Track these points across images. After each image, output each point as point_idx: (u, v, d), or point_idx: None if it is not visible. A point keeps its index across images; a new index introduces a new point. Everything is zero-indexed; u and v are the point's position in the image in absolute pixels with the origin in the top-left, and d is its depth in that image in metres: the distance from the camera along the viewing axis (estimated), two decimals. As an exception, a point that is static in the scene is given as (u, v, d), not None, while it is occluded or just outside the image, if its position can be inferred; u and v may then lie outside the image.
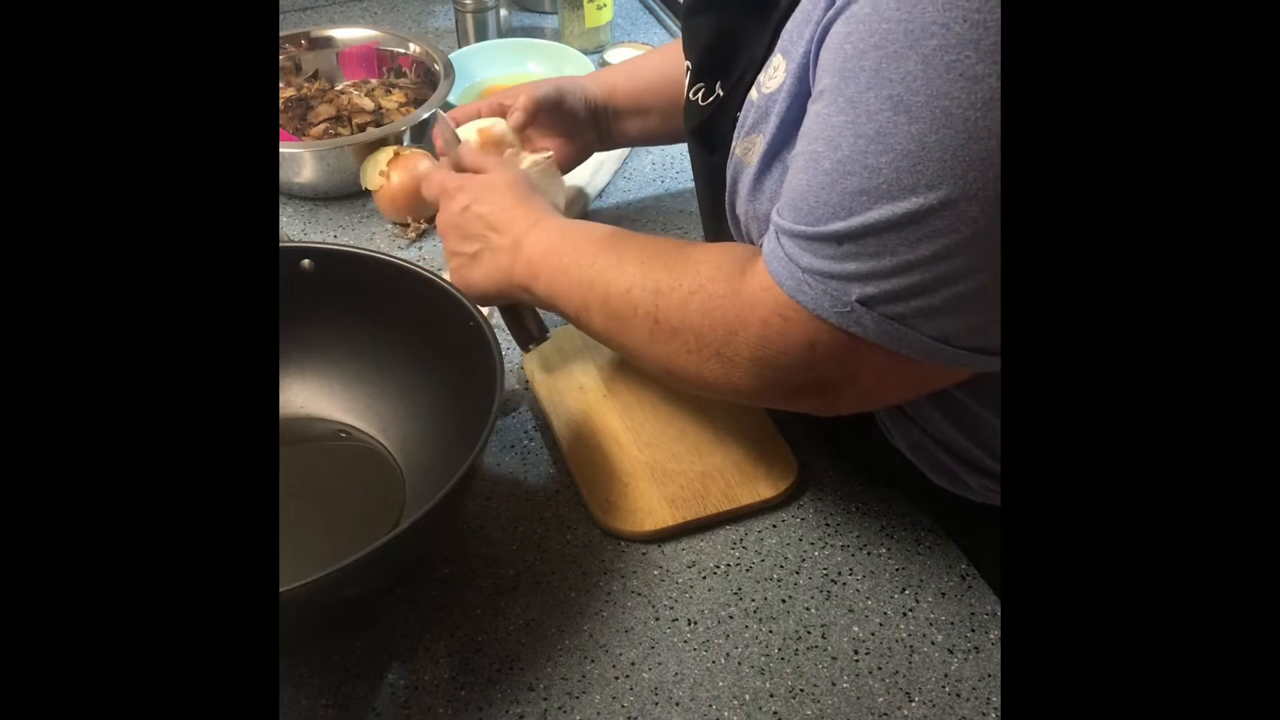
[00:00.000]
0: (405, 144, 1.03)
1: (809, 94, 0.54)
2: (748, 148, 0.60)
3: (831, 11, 0.51)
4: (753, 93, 0.60)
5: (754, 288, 0.57)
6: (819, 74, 0.52)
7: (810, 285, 0.53)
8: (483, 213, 0.74)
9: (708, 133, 0.67)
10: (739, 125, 0.61)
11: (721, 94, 0.65)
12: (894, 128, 0.48)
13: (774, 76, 0.57)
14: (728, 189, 0.64)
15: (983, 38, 0.44)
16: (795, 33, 0.56)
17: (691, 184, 1.07)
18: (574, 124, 0.90)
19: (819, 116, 0.52)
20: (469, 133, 0.86)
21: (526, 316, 0.78)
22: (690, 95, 0.70)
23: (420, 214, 0.99)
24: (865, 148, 0.49)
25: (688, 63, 0.71)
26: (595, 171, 1.05)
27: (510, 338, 0.79)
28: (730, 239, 0.67)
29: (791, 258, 0.54)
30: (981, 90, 0.45)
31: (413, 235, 0.99)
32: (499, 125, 0.87)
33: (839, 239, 0.51)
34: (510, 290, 0.72)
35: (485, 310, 0.75)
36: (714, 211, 0.70)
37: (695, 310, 0.60)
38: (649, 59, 0.95)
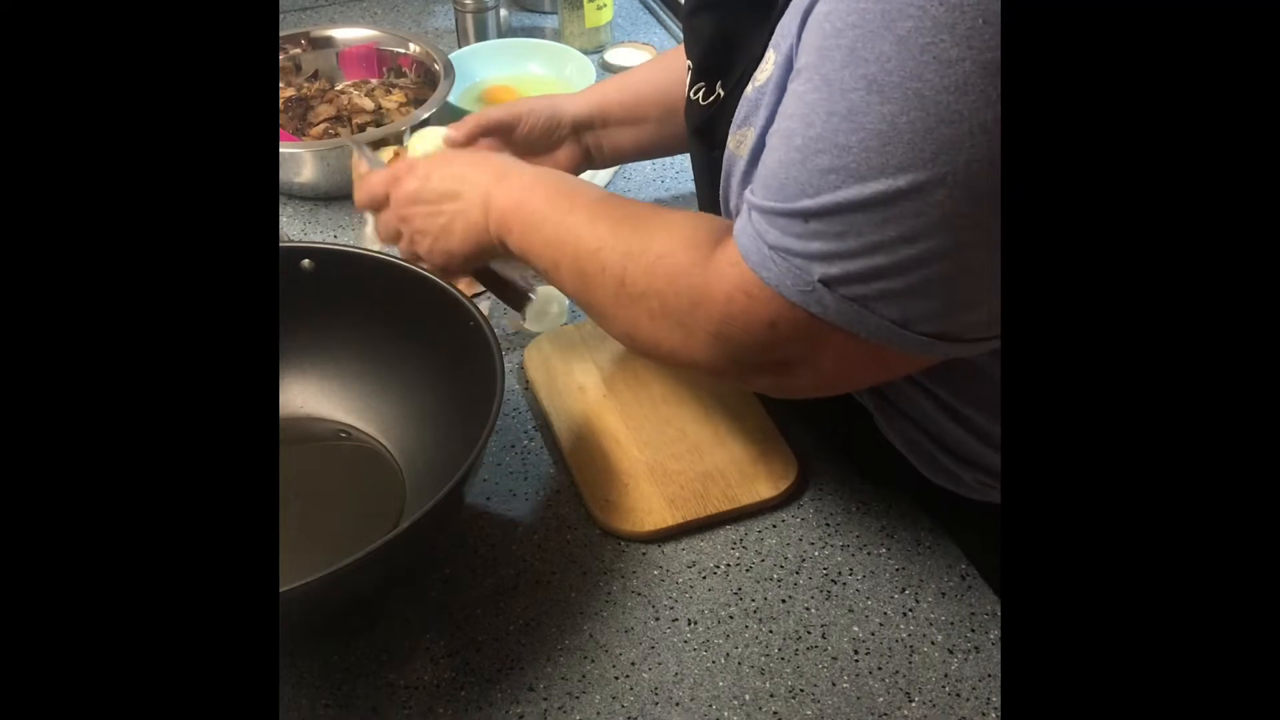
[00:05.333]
0: (405, 144, 1.03)
1: None
2: (740, 140, 0.60)
3: None
4: (748, 88, 0.60)
5: (721, 262, 0.57)
6: (799, 53, 0.52)
7: (775, 262, 0.53)
8: (443, 179, 0.72)
9: (709, 130, 0.67)
10: (734, 120, 0.62)
11: (722, 94, 0.66)
12: (866, 107, 0.48)
13: (764, 70, 0.58)
14: (722, 182, 0.65)
15: (959, 21, 0.45)
16: (786, 27, 0.56)
17: (691, 185, 1.07)
18: (534, 146, 0.88)
19: (795, 94, 0.52)
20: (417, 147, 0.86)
21: (509, 275, 0.76)
22: (691, 95, 0.70)
23: (420, 214, 0.99)
24: (837, 125, 0.49)
25: (689, 62, 0.72)
26: (594, 172, 1.05)
27: (505, 324, 0.78)
28: None
29: (759, 233, 0.54)
30: (955, 74, 0.45)
31: (413, 235, 0.99)
32: (435, 139, 0.87)
33: (806, 216, 0.51)
34: (490, 244, 0.71)
35: (470, 291, 0.75)
36: (711, 207, 0.70)
37: (661, 276, 0.59)
38: (641, 70, 0.94)
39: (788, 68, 0.55)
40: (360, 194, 0.77)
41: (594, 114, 0.90)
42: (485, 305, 0.87)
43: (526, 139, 0.87)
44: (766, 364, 0.58)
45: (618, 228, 0.63)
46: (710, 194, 0.69)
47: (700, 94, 0.68)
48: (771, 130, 0.55)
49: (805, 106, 0.51)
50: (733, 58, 0.65)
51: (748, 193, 0.56)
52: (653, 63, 0.94)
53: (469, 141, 0.86)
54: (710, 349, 0.58)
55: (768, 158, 0.54)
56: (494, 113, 0.87)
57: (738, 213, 0.63)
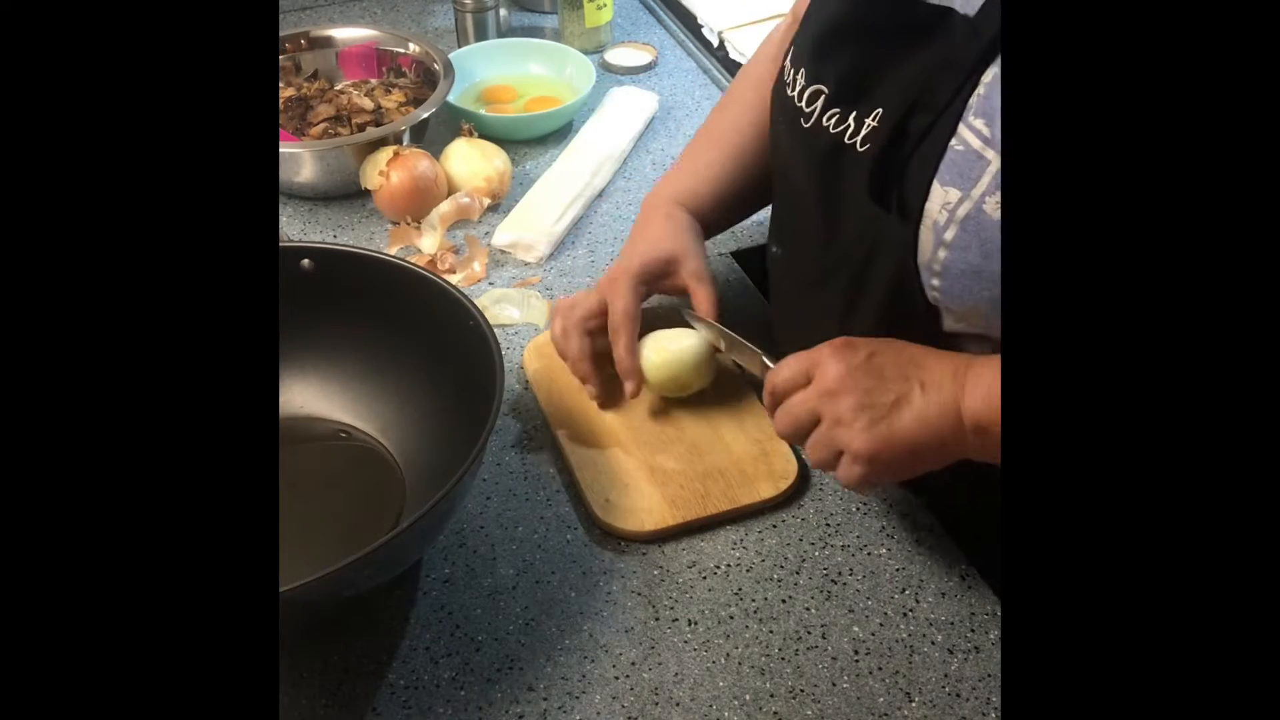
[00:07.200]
0: (405, 144, 1.03)
1: None
2: (997, 205, 0.55)
3: None
4: (957, 140, 0.56)
5: None
6: None
7: None
8: (895, 357, 0.63)
9: (882, 185, 0.61)
10: (951, 173, 0.57)
11: (862, 128, 0.62)
12: None
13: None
14: (932, 246, 0.59)
15: None
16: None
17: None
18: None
19: None
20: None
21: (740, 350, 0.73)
22: (824, 120, 0.65)
23: (420, 214, 0.99)
24: None
25: (821, 87, 0.66)
26: (595, 172, 1.05)
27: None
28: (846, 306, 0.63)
29: None
30: None
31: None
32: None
33: None
34: (952, 434, 0.61)
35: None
36: (853, 268, 0.64)
37: None
38: (712, 155, 0.86)
39: None
40: (777, 382, 0.67)
41: (709, 217, 0.85)
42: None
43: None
44: None
45: None
46: (850, 258, 0.64)
47: (833, 121, 0.65)
48: None
49: None
50: (875, 89, 0.62)
51: None
52: (716, 145, 0.86)
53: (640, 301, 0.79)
54: None
55: None
56: (649, 266, 0.79)
57: (968, 279, 0.57)
